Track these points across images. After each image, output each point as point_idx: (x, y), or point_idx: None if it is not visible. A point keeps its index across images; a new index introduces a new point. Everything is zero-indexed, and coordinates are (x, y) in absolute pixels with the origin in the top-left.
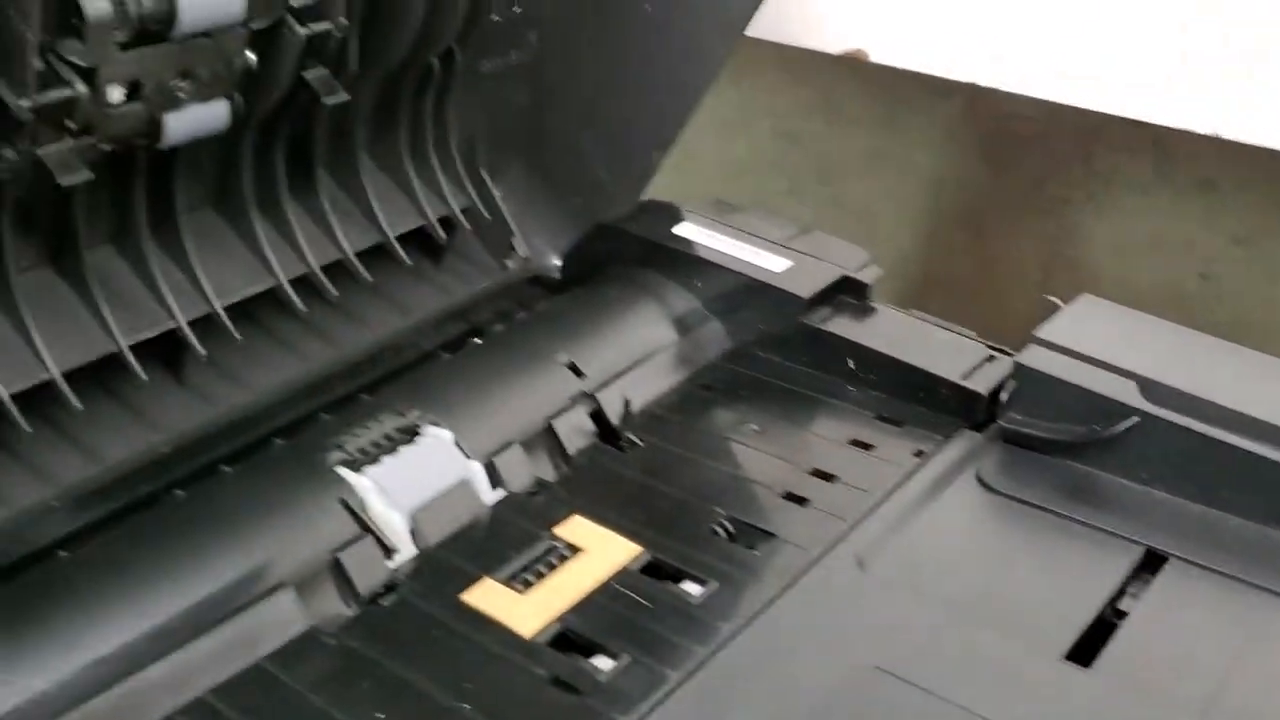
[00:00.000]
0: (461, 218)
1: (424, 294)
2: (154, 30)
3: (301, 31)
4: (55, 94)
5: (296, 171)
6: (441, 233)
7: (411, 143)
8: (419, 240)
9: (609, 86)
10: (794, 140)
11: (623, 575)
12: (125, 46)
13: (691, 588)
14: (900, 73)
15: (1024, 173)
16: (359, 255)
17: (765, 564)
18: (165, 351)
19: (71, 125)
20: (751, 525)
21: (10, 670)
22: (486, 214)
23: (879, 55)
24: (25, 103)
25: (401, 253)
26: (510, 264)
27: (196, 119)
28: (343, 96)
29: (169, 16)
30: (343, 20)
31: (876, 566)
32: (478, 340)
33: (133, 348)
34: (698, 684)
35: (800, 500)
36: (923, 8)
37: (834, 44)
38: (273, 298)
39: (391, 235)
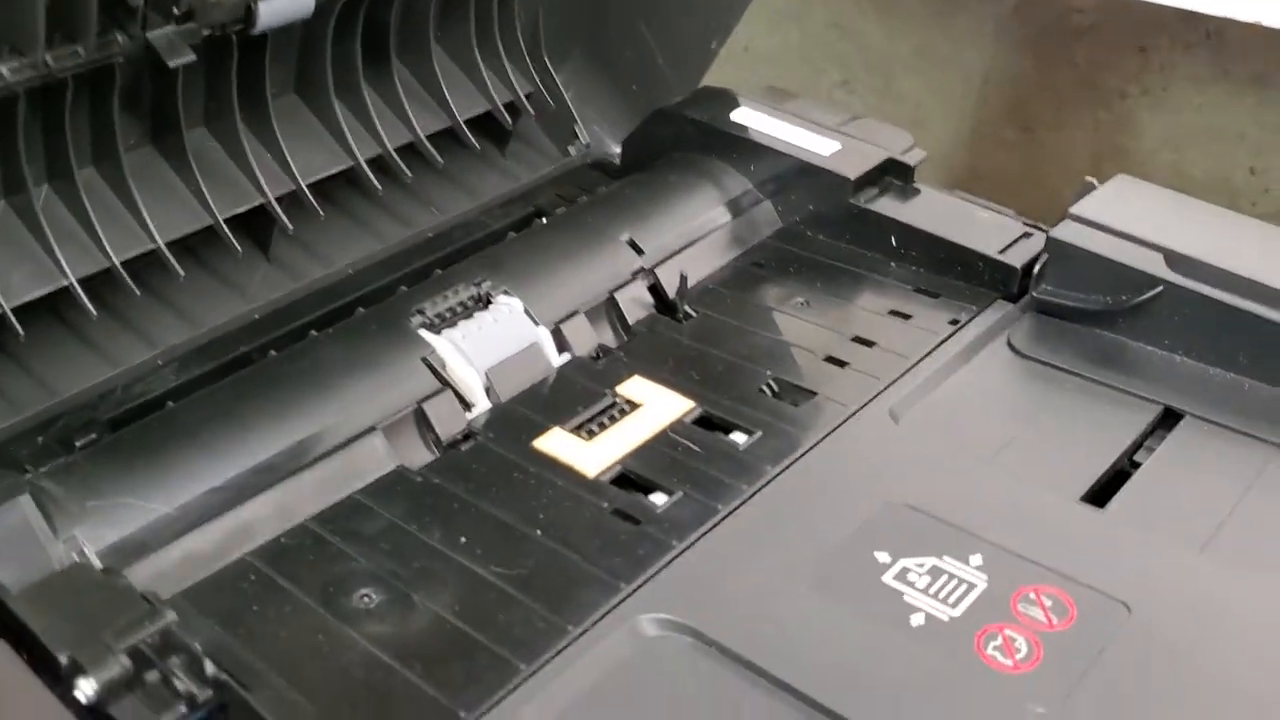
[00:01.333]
0: (526, 103)
1: (490, 178)
2: None
3: None
4: None
5: (372, 58)
6: (507, 118)
7: (479, 30)
8: (485, 127)
9: None
10: (846, 33)
11: (677, 426)
12: None
13: (738, 437)
14: None
15: (1076, 67)
16: (429, 139)
17: (806, 417)
18: (253, 229)
19: (176, 11)
20: (794, 384)
21: (140, 496)
22: (551, 101)
23: None
24: None
25: (470, 136)
26: (572, 151)
27: (285, 6)
28: None
29: None
30: None
31: (908, 419)
32: (542, 220)
33: (225, 222)
34: (743, 515)
35: (840, 363)
36: None
37: None
38: (349, 179)
39: (460, 119)
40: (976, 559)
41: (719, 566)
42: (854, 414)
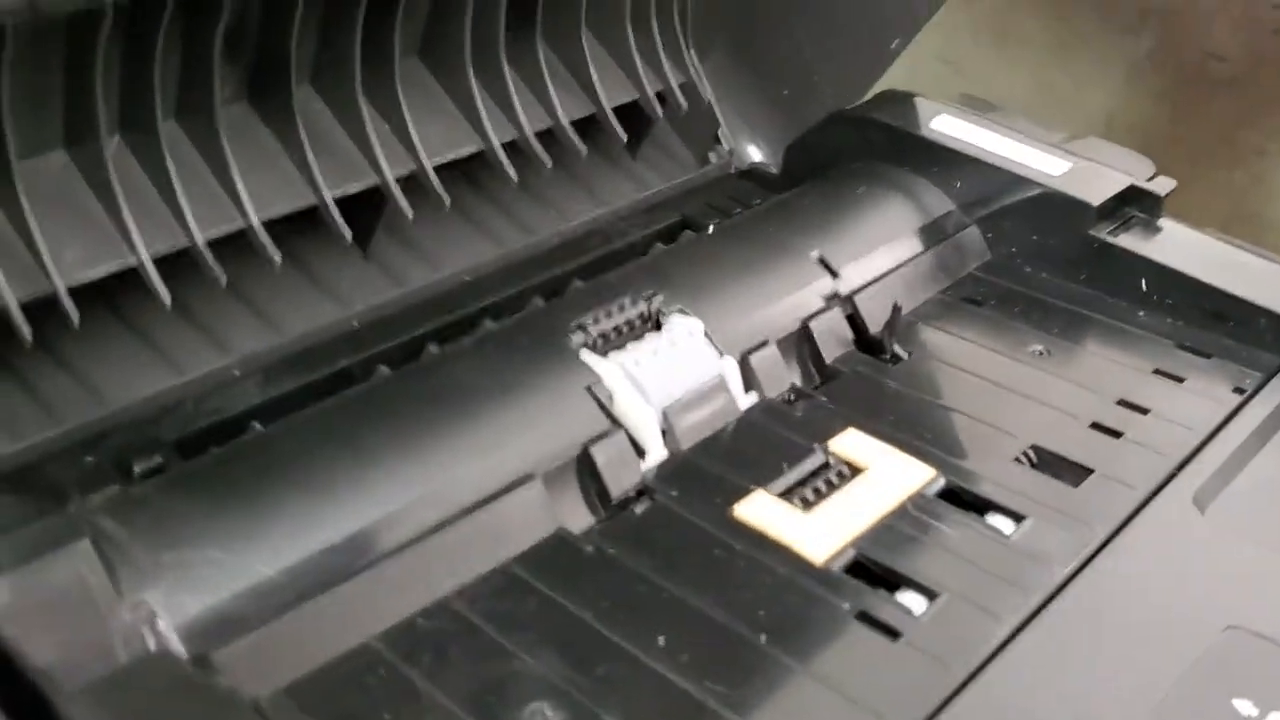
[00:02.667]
0: (679, 94)
1: (620, 183)
2: None
3: None
4: None
5: (515, 28)
6: (658, 109)
7: (634, 6)
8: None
9: None
10: (957, 68)
11: (918, 500)
12: None
13: (1001, 522)
14: (1084, 2)
15: (1212, 120)
16: (539, 135)
17: (1087, 500)
18: (354, 217)
19: None
20: (1061, 456)
21: (234, 550)
22: (705, 94)
23: None
24: None
25: (617, 125)
26: (712, 158)
27: None
28: None
29: None
30: None
31: (1216, 510)
32: (692, 235)
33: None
34: (1035, 635)
35: (1113, 433)
36: None
37: None
38: (461, 170)
39: (607, 107)
40: None
41: (1020, 708)
42: (1149, 500)
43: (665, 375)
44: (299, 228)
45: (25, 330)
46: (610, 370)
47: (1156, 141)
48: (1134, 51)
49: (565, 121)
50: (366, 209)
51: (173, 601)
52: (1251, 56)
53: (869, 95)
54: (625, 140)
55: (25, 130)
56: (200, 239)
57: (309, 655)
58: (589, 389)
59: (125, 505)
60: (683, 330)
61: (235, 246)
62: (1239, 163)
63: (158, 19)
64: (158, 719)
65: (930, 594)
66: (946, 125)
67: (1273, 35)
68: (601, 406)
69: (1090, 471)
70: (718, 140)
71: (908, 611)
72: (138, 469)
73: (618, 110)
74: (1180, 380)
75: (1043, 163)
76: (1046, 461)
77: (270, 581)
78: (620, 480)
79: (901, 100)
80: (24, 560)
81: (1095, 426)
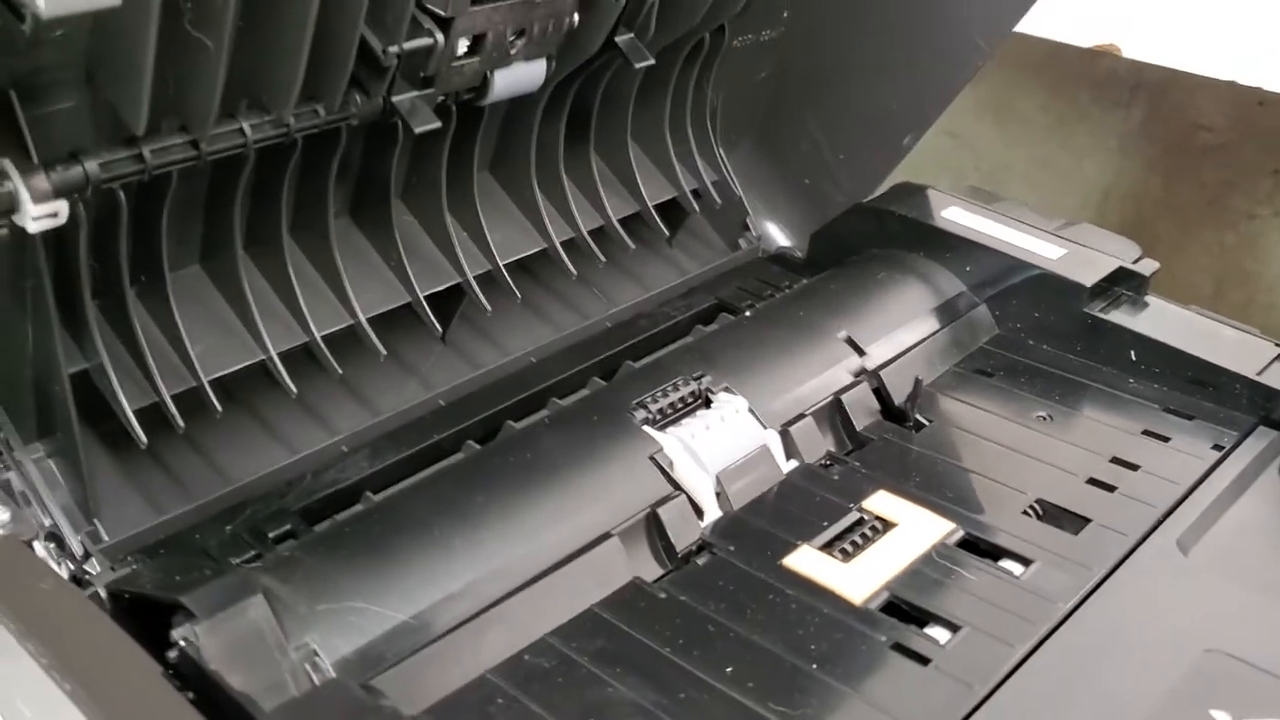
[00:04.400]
0: (713, 191)
1: (659, 269)
2: None
3: None
4: (418, 41)
5: (571, 142)
6: (694, 204)
7: (672, 115)
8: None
9: (860, 68)
10: (961, 141)
11: (941, 549)
12: (476, 1)
13: (1012, 565)
14: (1079, 81)
15: (1203, 187)
16: (592, 233)
17: (1085, 546)
18: (436, 310)
19: (422, 74)
20: (1063, 509)
21: (374, 600)
22: (735, 188)
23: (1132, 51)
24: (393, 49)
25: (659, 221)
26: (742, 244)
27: (519, 77)
28: (649, 59)
29: None
30: None
31: (1198, 552)
32: (728, 315)
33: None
34: (1043, 659)
35: (1108, 487)
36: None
37: (1085, 37)
38: (521, 264)
39: (650, 205)
40: None
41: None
42: (1138, 545)
43: (717, 446)
44: (386, 320)
45: (179, 420)
46: (670, 442)
47: (1151, 208)
48: (1126, 125)
49: (615, 221)
50: (446, 303)
51: (328, 644)
52: (1237, 126)
53: (885, 185)
54: (668, 235)
55: (173, 250)
56: (318, 335)
57: (438, 686)
58: (652, 458)
59: (281, 565)
60: (730, 407)
61: (335, 340)
62: (1229, 226)
63: (287, 159)
64: None
65: (953, 627)
66: (956, 215)
67: (1257, 106)
68: (664, 473)
69: (1088, 521)
70: (746, 227)
71: (935, 642)
72: (271, 535)
73: (658, 206)
74: (1166, 440)
75: (1041, 248)
76: (1050, 513)
77: (404, 625)
78: (683, 537)
79: (916, 193)
80: (214, 610)
81: (1092, 482)
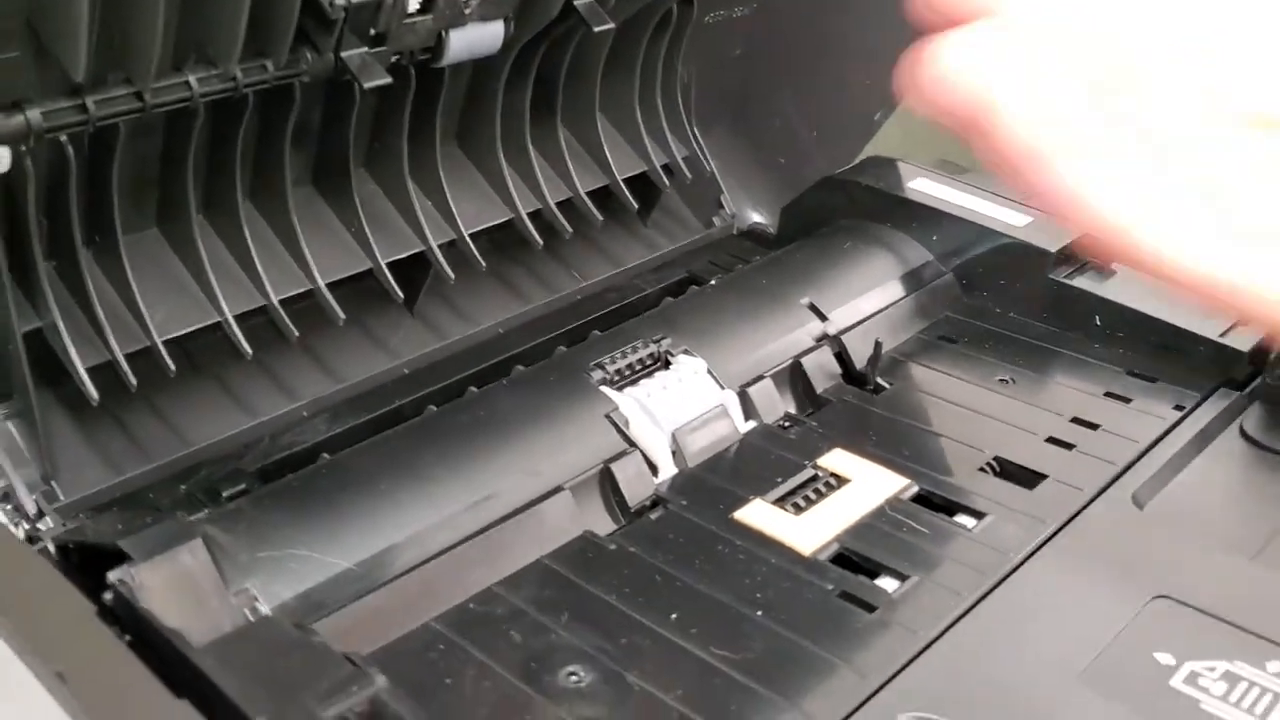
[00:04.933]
0: (684, 166)
1: (632, 246)
2: None
3: None
4: None
5: (538, 114)
6: (665, 180)
7: (642, 88)
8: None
9: (832, 44)
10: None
11: (894, 503)
12: None
13: (966, 519)
14: None
15: None
16: (561, 206)
17: (1040, 500)
18: (402, 281)
19: (372, 30)
20: (1020, 466)
21: (316, 548)
22: (706, 165)
23: None
24: (340, 1)
25: (628, 195)
26: (716, 221)
27: (474, 38)
28: (609, 23)
29: None
30: None
31: (1153, 507)
32: (697, 286)
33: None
34: (991, 606)
35: (1066, 445)
36: None
37: None
38: (491, 238)
39: (619, 179)
40: (1275, 665)
41: (977, 662)
42: (1094, 499)
43: (673, 405)
44: (355, 292)
45: (131, 378)
46: (626, 401)
47: None
48: None
49: (582, 193)
50: (413, 274)
51: (268, 589)
52: None
53: (856, 162)
54: (636, 208)
55: (127, 211)
56: (274, 298)
57: (380, 633)
58: (608, 416)
59: (225, 515)
60: (688, 368)
61: (300, 307)
62: None
63: (239, 116)
64: (266, 665)
65: (902, 577)
66: (924, 186)
67: None
68: (619, 430)
69: (1044, 477)
70: (720, 205)
71: (883, 591)
72: (225, 494)
73: (630, 181)
74: (1128, 401)
75: (1008, 216)
76: (1007, 470)
77: (347, 573)
78: (637, 492)
79: (884, 165)
80: (151, 554)
81: (1050, 440)
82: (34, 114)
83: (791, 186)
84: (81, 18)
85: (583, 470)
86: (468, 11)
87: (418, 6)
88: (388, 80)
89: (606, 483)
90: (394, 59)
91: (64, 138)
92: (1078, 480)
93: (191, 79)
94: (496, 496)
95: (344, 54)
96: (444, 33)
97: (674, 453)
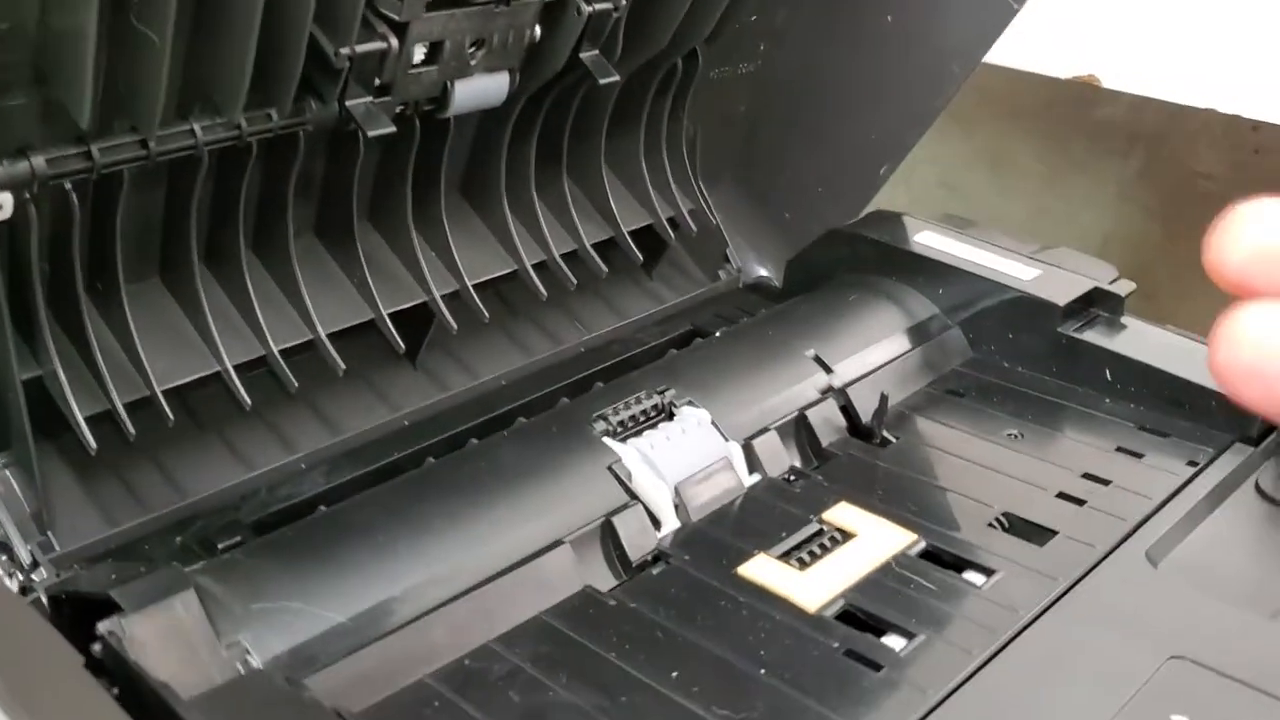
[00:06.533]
0: (689, 219)
1: (638, 299)
2: None
3: (586, 9)
4: (370, 45)
5: (543, 165)
6: (670, 232)
7: (647, 142)
8: (635, 244)
9: (836, 100)
10: (956, 192)
11: (901, 559)
12: (432, 7)
13: (974, 576)
14: (1074, 130)
15: (1205, 234)
16: (566, 257)
17: (1051, 557)
18: (404, 332)
19: (378, 80)
20: (1029, 521)
21: (310, 601)
22: (711, 218)
23: (1112, 81)
24: (345, 51)
25: (633, 248)
26: (722, 275)
27: (480, 89)
28: (614, 75)
29: None
30: (623, 1)
31: (1167, 565)
32: (702, 339)
33: (356, 329)
34: (1002, 665)
35: (1077, 501)
36: (1163, 32)
37: (1063, 69)
38: (496, 290)
39: (624, 231)
40: None
41: None
42: (1106, 556)
43: (677, 457)
44: (357, 342)
45: (129, 426)
46: (629, 453)
47: (1152, 257)
48: (1124, 173)
49: (588, 245)
50: (416, 325)
51: (261, 642)
52: (1236, 174)
53: (862, 215)
54: (641, 261)
55: (129, 261)
56: (275, 349)
57: (373, 690)
58: (610, 468)
59: (219, 567)
60: (692, 419)
61: (301, 358)
62: None
63: (243, 166)
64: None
65: (910, 635)
66: (930, 240)
67: (1253, 154)
68: (621, 483)
69: (1055, 533)
70: (726, 259)
71: (890, 649)
72: (220, 546)
73: (636, 233)
74: (1140, 456)
75: (1015, 270)
76: (1016, 526)
77: (340, 627)
78: (639, 546)
79: (890, 219)
80: (142, 604)
81: (1061, 496)
82: (39, 160)
83: (798, 241)
84: (88, 65)
85: (584, 523)
86: (473, 63)
87: (423, 57)
88: (392, 130)
89: (608, 536)
90: (399, 109)
91: (68, 185)
92: (1090, 536)
93: (196, 127)
94: (495, 550)
95: (349, 103)
96: (449, 84)
97: (677, 506)
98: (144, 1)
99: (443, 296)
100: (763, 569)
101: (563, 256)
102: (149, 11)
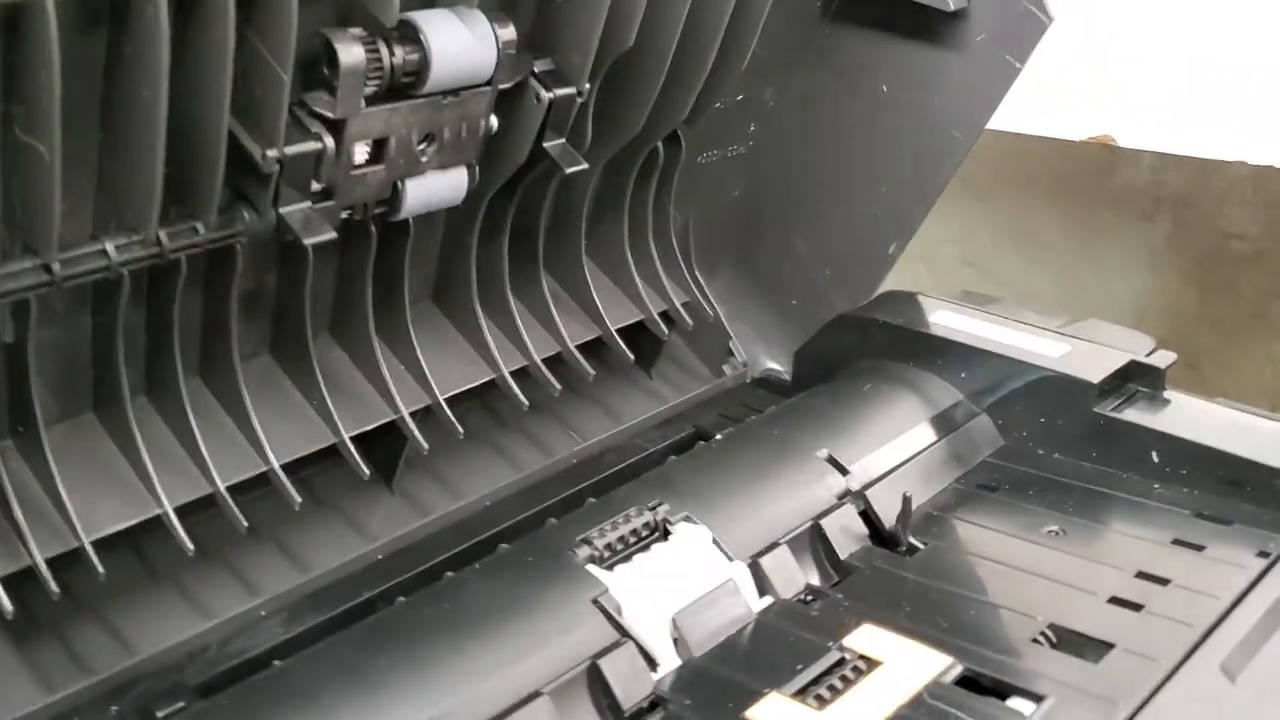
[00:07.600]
0: (683, 313)
1: (636, 400)
2: (403, 84)
3: (545, 95)
4: (302, 146)
5: (517, 261)
6: (663, 328)
7: (631, 232)
8: (628, 342)
9: (835, 178)
10: (981, 270)
11: (935, 688)
12: (372, 102)
13: (1021, 704)
14: (1096, 197)
15: (1242, 297)
16: (549, 361)
17: (1109, 676)
18: (376, 454)
19: (315, 185)
20: (1080, 634)
21: None
22: (708, 310)
23: (1128, 140)
24: (273, 153)
25: (624, 347)
26: (727, 370)
27: (435, 188)
28: (582, 164)
29: (420, 68)
30: (585, 85)
31: (1247, 679)
32: (704, 442)
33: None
34: None
35: (1134, 606)
36: (1178, 91)
37: (1077, 131)
38: (481, 401)
39: (612, 329)
40: None
41: None
42: (1174, 672)
43: (673, 583)
44: (326, 469)
45: (52, 584)
46: (616, 582)
47: (1191, 324)
48: (1152, 239)
49: (572, 347)
50: (389, 446)
51: None
52: (1270, 232)
53: (873, 298)
54: (633, 359)
55: (57, 396)
56: (221, 486)
57: None
58: (595, 601)
59: None
60: (690, 538)
61: (259, 493)
62: (1277, 336)
63: (173, 285)
64: None
65: None
66: (948, 319)
67: None
68: (609, 618)
69: (1111, 646)
70: (731, 352)
71: None
72: (160, 715)
73: (629, 330)
74: (1201, 549)
75: (1043, 347)
76: (1065, 640)
77: None
78: (631, 693)
79: (903, 299)
80: None
81: (1114, 601)
82: None
83: (806, 329)
84: None
85: (566, 669)
86: (425, 159)
87: (367, 156)
88: (333, 236)
89: (595, 683)
90: (346, 214)
91: None
92: (1152, 649)
93: (109, 246)
94: (459, 708)
95: (283, 210)
96: (399, 183)
97: (675, 641)
98: (29, 111)
99: (413, 413)
100: (776, 711)
101: (547, 360)
102: (34, 121)
